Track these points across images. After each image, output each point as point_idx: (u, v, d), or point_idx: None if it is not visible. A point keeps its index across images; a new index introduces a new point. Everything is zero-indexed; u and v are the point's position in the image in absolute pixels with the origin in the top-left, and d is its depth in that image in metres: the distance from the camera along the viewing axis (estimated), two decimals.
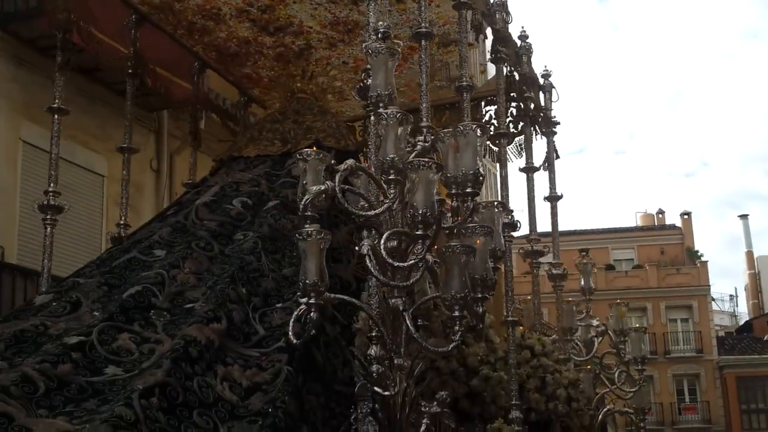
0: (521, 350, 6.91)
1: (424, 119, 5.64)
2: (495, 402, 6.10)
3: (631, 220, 51.26)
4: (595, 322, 8.49)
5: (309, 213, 4.25)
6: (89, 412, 4.14)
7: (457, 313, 4.39)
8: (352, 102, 8.66)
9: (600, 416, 8.20)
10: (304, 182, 4.44)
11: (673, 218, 48.33)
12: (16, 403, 4.02)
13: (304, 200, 4.30)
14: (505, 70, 7.85)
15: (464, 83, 6.51)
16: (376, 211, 4.50)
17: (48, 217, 6.64)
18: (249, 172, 6.94)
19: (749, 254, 51.12)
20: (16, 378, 4.19)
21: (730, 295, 56.13)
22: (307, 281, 4.15)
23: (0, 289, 8.62)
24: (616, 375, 8.60)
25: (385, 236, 4.43)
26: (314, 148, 4.65)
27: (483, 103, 8.79)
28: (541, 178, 8.49)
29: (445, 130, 4.80)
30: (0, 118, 9.22)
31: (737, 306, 54.51)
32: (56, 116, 6.82)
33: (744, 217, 52.67)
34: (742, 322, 50.79)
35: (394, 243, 4.54)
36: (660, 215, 48.73)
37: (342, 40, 7.89)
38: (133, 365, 4.63)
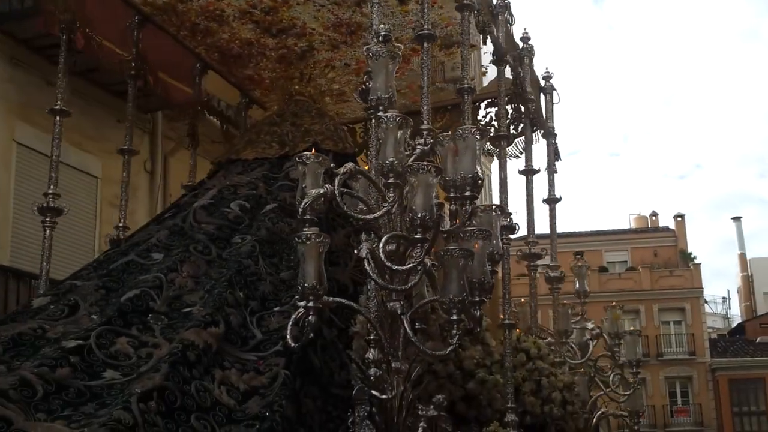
0: (517, 353, 6.93)
1: (425, 122, 5.64)
2: (491, 405, 6.11)
3: (624, 223, 51.34)
4: (590, 325, 8.49)
5: (308, 216, 4.26)
6: (87, 416, 4.14)
7: (455, 317, 4.39)
8: (353, 104, 8.66)
9: (594, 419, 8.21)
10: (304, 185, 4.43)
11: (666, 220, 48.47)
12: (14, 407, 4.02)
13: (303, 203, 4.30)
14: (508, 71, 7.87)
15: (465, 86, 6.51)
16: (375, 214, 4.50)
17: (47, 219, 6.60)
18: (247, 175, 6.93)
19: (742, 256, 51.27)
20: (15, 382, 4.19)
21: (723, 298, 56.32)
22: (305, 284, 4.14)
23: None
24: (610, 378, 8.60)
25: (383, 240, 4.43)
26: (312, 151, 4.65)
27: (484, 105, 8.78)
28: (537, 180, 8.49)
29: (445, 133, 4.81)
30: None
31: (730, 308, 54.73)
32: (57, 118, 6.78)
33: (737, 219, 52.86)
34: (734, 325, 50.92)
35: (393, 246, 4.54)
36: (653, 217, 48.83)
37: (344, 42, 7.88)
38: (131, 369, 4.63)
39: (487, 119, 8.79)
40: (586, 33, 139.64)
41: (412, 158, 4.79)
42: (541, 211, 8.57)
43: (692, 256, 45.38)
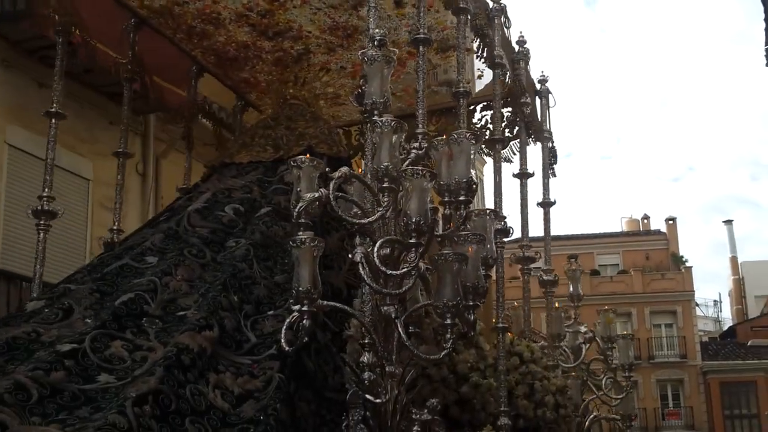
0: (510, 357, 6.93)
1: (420, 126, 5.66)
2: (484, 409, 6.12)
3: (616, 226, 51.51)
4: (583, 329, 8.50)
5: (302, 220, 4.27)
6: (82, 419, 4.15)
7: (449, 321, 4.40)
8: (348, 106, 8.67)
9: (587, 423, 8.23)
10: (298, 189, 4.45)
11: (658, 223, 48.58)
12: (9, 411, 4.02)
13: (297, 207, 4.31)
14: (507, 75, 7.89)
15: (461, 89, 6.51)
16: (370, 219, 4.51)
17: (41, 222, 6.59)
18: (241, 179, 6.94)
19: (733, 260, 51.43)
20: (10, 386, 4.19)
21: (714, 301, 56.50)
22: (300, 288, 4.15)
23: None
24: (603, 381, 8.62)
25: (378, 244, 4.44)
26: (307, 155, 4.66)
27: (479, 108, 8.79)
28: (531, 183, 8.49)
29: (439, 138, 4.82)
30: None
31: (721, 311, 54.80)
32: (53, 121, 6.77)
33: (729, 222, 53.06)
34: (725, 328, 51.04)
35: (387, 250, 4.55)
36: (645, 220, 48.95)
37: (341, 45, 7.90)
38: (126, 373, 4.64)
39: (483, 122, 8.79)
40: (579, 35, 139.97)
41: (407, 162, 4.80)
42: (535, 214, 8.59)
43: (684, 259, 45.53)
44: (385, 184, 4.47)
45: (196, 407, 4.45)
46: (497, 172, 7.37)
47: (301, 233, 4.19)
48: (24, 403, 4.16)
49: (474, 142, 4.68)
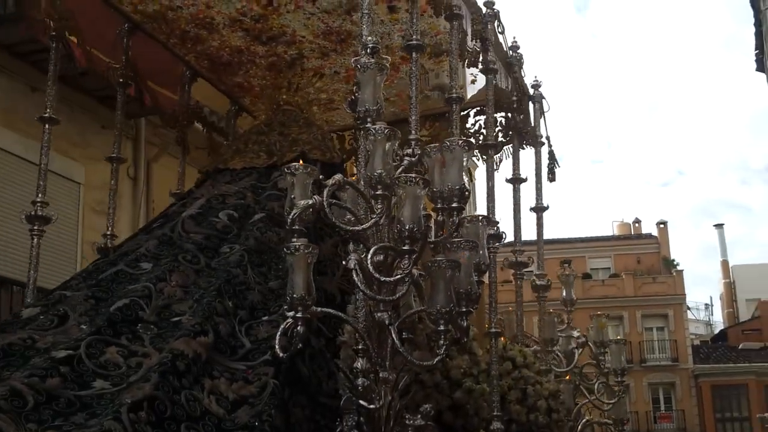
0: (503, 362, 6.96)
1: (413, 132, 5.68)
2: (478, 414, 6.14)
3: (607, 229, 51.68)
4: (575, 334, 8.53)
5: (296, 227, 4.29)
6: (78, 426, 4.15)
7: (442, 327, 4.42)
8: (342, 111, 8.67)
9: (579, 427, 8.26)
10: (292, 196, 4.47)
11: (649, 227, 48.79)
12: (5, 417, 4.02)
13: (291, 214, 4.33)
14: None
15: (453, 95, 6.53)
16: (364, 226, 4.54)
17: (35, 228, 6.57)
18: (235, 185, 6.95)
19: (724, 263, 51.63)
20: (5, 392, 4.19)
21: (706, 304, 56.70)
22: (294, 295, 4.17)
23: None
24: (595, 386, 8.65)
25: (371, 251, 4.47)
26: (300, 161, 4.69)
27: (473, 113, 8.81)
28: (524, 187, 8.50)
29: (432, 144, 4.85)
30: None
31: (712, 315, 55.05)
32: (47, 126, 6.76)
33: (719, 226, 53.25)
34: (717, 331, 51.20)
35: (381, 257, 4.58)
36: (636, 224, 49.14)
37: (334, 49, 7.90)
38: (121, 379, 4.64)
39: (476, 127, 8.81)
40: (570, 41, 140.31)
41: (400, 169, 4.83)
42: (528, 218, 8.59)
43: (675, 262, 45.71)
44: (379, 192, 4.49)
45: (192, 413, 4.45)
46: (490, 177, 7.39)
47: (295, 240, 4.22)
48: (20, 409, 4.16)
49: (467, 149, 4.71)
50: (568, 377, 8.23)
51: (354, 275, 4.45)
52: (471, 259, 4.64)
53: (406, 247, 4.42)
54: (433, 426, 4.88)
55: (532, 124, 8.75)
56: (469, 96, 8.90)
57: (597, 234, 48.03)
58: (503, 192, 8.29)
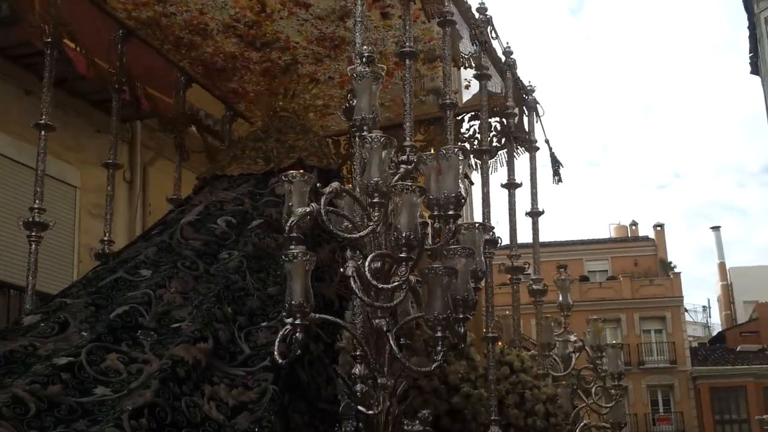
0: (501, 366, 6.98)
1: (408, 138, 5.72)
2: (475, 419, 6.17)
3: (604, 232, 51.65)
4: (573, 338, 8.55)
5: (294, 234, 4.33)
6: None
7: (439, 333, 4.45)
8: (337, 116, 8.69)
9: (577, 431, 8.28)
10: (290, 204, 4.51)
11: (646, 230, 48.83)
12: (7, 425, 4.05)
13: (289, 222, 4.37)
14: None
15: (447, 101, 6.57)
16: (361, 233, 4.57)
17: (33, 234, 6.56)
18: (232, 191, 6.98)
19: (722, 266, 51.65)
20: (7, 399, 4.22)
21: (703, 306, 56.78)
22: (292, 302, 4.20)
23: None
24: (592, 390, 8.67)
25: (369, 258, 4.50)
26: (297, 168, 4.72)
27: (467, 118, 8.83)
28: (519, 191, 8.50)
29: (428, 151, 4.89)
30: None
31: (710, 317, 55.11)
32: (43, 132, 6.76)
33: (716, 228, 53.31)
34: (715, 333, 51.22)
35: (378, 264, 4.61)
36: (633, 227, 49.16)
37: (328, 55, 7.95)
38: (122, 385, 4.68)
39: (471, 132, 8.84)
40: (564, 44, 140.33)
41: (397, 177, 4.86)
42: (523, 222, 8.60)
43: (672, 265, 45.74)
44: (376, 199, 4.53)
45: (192, 419, 4.48)
46: (485, 182, 7.42)
47: (293, 247, 4.25)
48: (22, 416, 4.19)
49: (462, 157, 4.75)
50: (565, 381, 8.25)
51: (352, 282, 4.48)
52: (468, 265, 4.68)
53: (403, 255, 4.45)
54: (431, 431, 4.91)
55: (527, 129, 8.78)
56: (464, 100, 8.95)
57: (594, 237, 48.10)
58: (498, 197, 8.30)
